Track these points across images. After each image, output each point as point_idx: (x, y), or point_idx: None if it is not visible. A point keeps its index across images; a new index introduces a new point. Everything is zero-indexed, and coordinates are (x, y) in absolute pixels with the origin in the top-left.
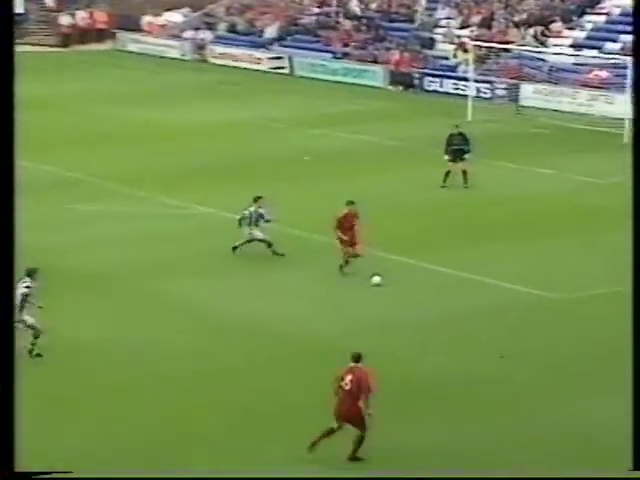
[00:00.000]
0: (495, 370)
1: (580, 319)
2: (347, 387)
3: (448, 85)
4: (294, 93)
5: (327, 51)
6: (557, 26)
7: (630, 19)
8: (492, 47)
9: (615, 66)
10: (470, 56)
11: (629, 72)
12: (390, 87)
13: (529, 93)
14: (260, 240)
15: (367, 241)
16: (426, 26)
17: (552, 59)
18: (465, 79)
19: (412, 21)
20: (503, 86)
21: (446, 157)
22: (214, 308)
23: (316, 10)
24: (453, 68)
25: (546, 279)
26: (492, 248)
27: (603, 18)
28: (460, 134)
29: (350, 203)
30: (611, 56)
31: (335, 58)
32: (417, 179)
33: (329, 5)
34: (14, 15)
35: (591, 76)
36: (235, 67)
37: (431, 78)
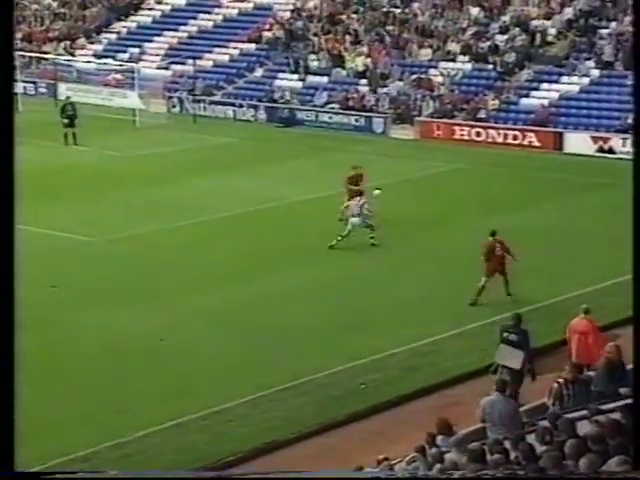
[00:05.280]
0: (47, 296)
1: (111, 253)
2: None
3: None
4: None
5: None
6: (82, 41)
7: (132, 37)
8: (33, 56)
9: (126, 70)
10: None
11: (135, 75)
12: None
13: (64, 90)
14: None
15: None
16: None
17: (79, 65)
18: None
19: None
20: (44, 85)
21: (64, 121)
22: None
23: None
24: None
25: (88, 227)
26: (49, 207)
27: (115, 35)
28: (71, 103)
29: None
30: (123, 63)
31: None
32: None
33: None
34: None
35: (110, 78)
36: None
37: None
